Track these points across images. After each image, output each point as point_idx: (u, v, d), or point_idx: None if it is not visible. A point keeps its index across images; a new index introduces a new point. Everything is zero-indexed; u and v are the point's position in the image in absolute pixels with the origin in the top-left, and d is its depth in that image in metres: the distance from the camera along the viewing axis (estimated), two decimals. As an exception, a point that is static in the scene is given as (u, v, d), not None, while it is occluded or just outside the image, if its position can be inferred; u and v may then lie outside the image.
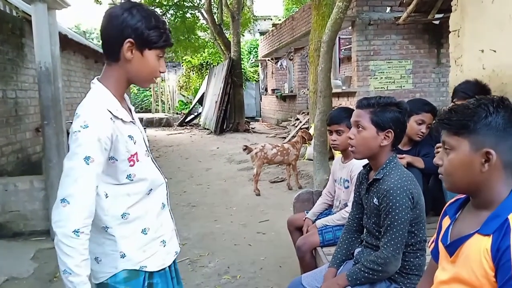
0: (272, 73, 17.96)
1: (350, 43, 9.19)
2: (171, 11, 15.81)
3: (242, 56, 16.79)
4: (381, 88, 8.15)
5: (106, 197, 1.39)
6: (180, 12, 15.82)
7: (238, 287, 3.27)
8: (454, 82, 3.59)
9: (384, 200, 1.75)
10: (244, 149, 6.43)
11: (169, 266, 1.58)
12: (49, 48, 4.11)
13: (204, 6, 15.11)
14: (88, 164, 1.29)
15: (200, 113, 17.20)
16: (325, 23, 6.05)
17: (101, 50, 1.48)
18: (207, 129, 14.70)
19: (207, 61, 20.86)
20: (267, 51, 16.37)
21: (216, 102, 13.98)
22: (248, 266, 3.61)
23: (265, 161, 6.20)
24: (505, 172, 1.14)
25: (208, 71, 18.78)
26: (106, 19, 1.40)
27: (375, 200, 1.82)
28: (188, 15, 16.34)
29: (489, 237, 1.10)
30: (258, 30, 23.13)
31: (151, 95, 22.82)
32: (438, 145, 2.50)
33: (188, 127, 16.83)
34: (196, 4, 15.82)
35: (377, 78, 8.17)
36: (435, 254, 1.34)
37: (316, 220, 2.83)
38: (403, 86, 8.30)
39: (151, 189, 1.49)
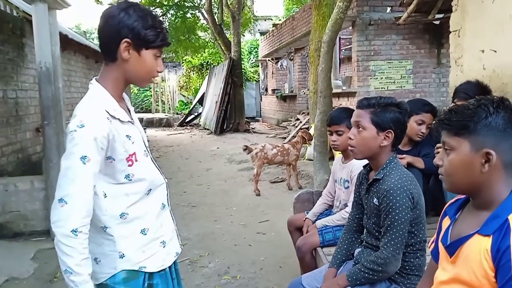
0: (272, 73, 17.96)
1: (351, 43, 9.19)
2: (172, 11, 15.82)
3: (242, 56, 16.80)
4: (382, 88, 8.15)
5: (105, 196, 1.39)
6: (181, 12, 15.83)
7: (238, 287, 3.27)
8: (454, 82, 3.59)
9: (384, 200, 1.75)
10: (244, 149, 6.43)
11: (170, 267, 1.58)
12: (49, 48, 4.11)
13: (204, 6, 15.11)
14: (84, 163, 1.29)
15: (200, 113, 17.20)
16: (325, 23, 6.05)
17: (101, 51, 1.49)
18: (207, 129, 14.70)
19: (208, 61, 20.86)
20: (268, 51, 16.38)
21: (216, 102, 13.98)
22: (248, 266, 3.61)
23: (265, 161, 6.20)
24: (505, 172, 1.14)
25: (208, 71, 18.78)
26: (103, 19, 1.40)
27: (375, 200, 1.82)
28: (188, 15, 16.35)
29: (489, 238, 1.10)
30: (259, 30, 23.14)
31: (151, 95, 22.83)
32: (438, 145, 2.50)
33: (188, 127, 16.83)
34: (196, 4, 15.82)
35: (377, 78, 8.17)
36: (435, 254, 1.34)
37: (316, 220, 2.82)
38: (404, 86, 8.30)
39: (151, 189, 1.49)
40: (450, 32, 3.81)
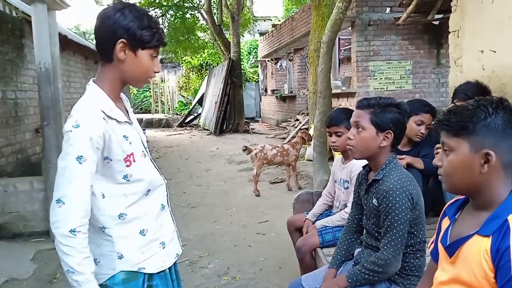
0: (271, 73, 17.96)
1: (350, 44, 9.19)
2: (171, 12, 15.81)
3: (241, 57, 16.79)
4: (381, 88, 8.15)
5: (103, 197, 1.40)
6: (180, 12, 15.83)
7: (238, 288, 3.27)
8: (454, 82, 3.59)
9: (384, 201, 1.75)
10: (244, 150, 6.43)
11: (170, 268, 1.57)
12: (49, 49, 4.11)
13: (204, 7, 15.12)
14: (81, 163, 1.30)
15: (200, 113, 17.20)
16: (324, 23, 6.05)
17: (101, 51, 1.50)
18: (207, 129, 14.70)
19: (207, 62, 20.86)
20: (267, 51, 16.38)
21: (215, 102, 13.98)
22: (248, 267, 3.61)
23: (264, 161, 6.20)
24: (504, 173, 1.14)
25: (207, 71, 18.79)
26: (99, 20, 1.41)
27: (374, 201, 1.82)
28: (188, 15, 16.35)
29: (488, 238, 1.10)
30: (258, 30, 23.13)
31: (150, 95, 22.81)
32: (437, 146, 2.50)
33: (187, 128, 16.84)
34: (195, 5, 15.83)
35: (376, 78, 8.17)
36: (435, 254, 1.34)
37: (316, 221, 2.82)
38: (403, 87, 8.31)
39: (149, 189, 1.49)
40: (450, 32, 3.81)
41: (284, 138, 11.28)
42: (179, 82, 23.03)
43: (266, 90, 18.94)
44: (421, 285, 1.47)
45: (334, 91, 6.97)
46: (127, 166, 1.41)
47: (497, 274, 1.07)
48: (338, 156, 2.93)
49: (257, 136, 13.20)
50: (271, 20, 22.06)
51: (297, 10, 13.95)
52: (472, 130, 1.12)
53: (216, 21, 14.88)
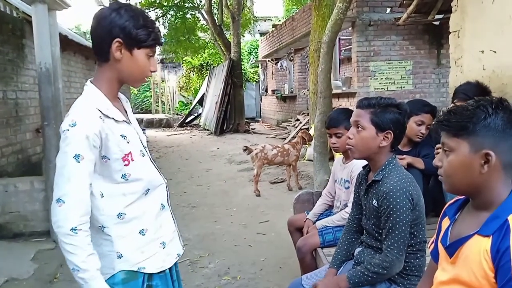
0: (272, 73, 17.96)
1: (350, 44, 9.19)
2: (171, 12, 15.83)
3: (242, 57, 16.79)
4: (381, 89, 8.15)
5: (102, 196, 1.40)
6: (180, 13, 15.84)
7: (238, 288, 3.27)
8: (454, 83, 3.59)
9: (384, 203, 1.75)
10: (244, 150, 6.43)
11: (170, 268, 1.57)
12: (49, 49, 4.11)
13: (204, 7, 15.12)
14: (79, 162, 1.30)
15: (200, 113, 17.20)
16: (325, 24, 6.05)
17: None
18: (207, 129, 14.70)
19: (207, 62, 20.87)
20: (267, 51, 16.38)
21: (216, 102, 13.99)
22: (249, 267, 3.61)
23: (265, 161, 6.20)
24: (504, 173, 1.14)
25: (208, 71, 18.79)
26: (95, 20, 1.42)
27: (374, 201, 1.82)
28: (188, 16, 16.36)
29: (488, 238, 1.10)
30: (258, 31, 23.13)
31: (151, 95, 22.82)
32: (438, 146, 2.50)
33: (188, 128, 16.84)
34: (196, 5, 15.83)
35: (377, 79, 8.17)
36: (435, 254, 1.34)
37: (316, 221, 2.82)
38: (403, 87, 8.31)
39: (148, 189, 1.49)
40: (450, 32, 3.81)
41: (285, 138, 11.28)
42: (179, 82, 23.03)
43: (266, 90, 18.94)
44: (421, 285, 1.47)
45: (334, 91, 6.97)
46: (125, 165, 1.41)
47: (497, 274, 1.07)
48: (338, 156, 2.93)
49: (258, 136, 13.20)
50: (271, 20, 22.08)
51: (297, 10, 13.95)
52: (472, 130, 1.12)
53: (216, 21, 14.88)
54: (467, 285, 1.15)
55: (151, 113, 22.01)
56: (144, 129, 10.88)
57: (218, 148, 10.73)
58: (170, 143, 12.39)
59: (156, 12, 15.61)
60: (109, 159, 1.39)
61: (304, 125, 10.61)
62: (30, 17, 4.43)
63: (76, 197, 1.30)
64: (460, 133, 1.15)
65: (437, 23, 7.41)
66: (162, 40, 1.54)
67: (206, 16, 15.23)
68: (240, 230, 4.63)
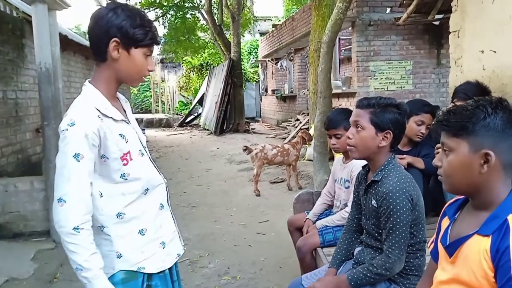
0: (272, 73, 17.96)
1: (350, 44, 9.19)
2: (171, 12, 15.82)
3: (242, 57, 16.79)
4: (381, 88, 8.15)
5: (101, 196, 1.40)
6: (180, 12, 15.84)
7: (238, 288, 3.27)
8: (454, 82, 3.59)
9: (384, 203, 1.75)
10: (244, 150, 6.43)
11: (170, 269, 1.57)
12: (49, 49, 4.11)
13: (204, 7, 15.12)
14: (78, 161, 1.31)
15: (200, 113, 17.20)
16: (325, 23, 6.05)
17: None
18: (207, 129, 14.70)
19: (207, 62, 20.87)
20: (267, 51, 16.38)
21: (216, 102, 13.99)
22: (248, 266, 3.61)
23: (265, 161, 6.20)
24: (504, 173, 1.14)
25: (208, 71, 18.79)
26: (92, 20, 1.42)
27: (373, 202, 1.82)
28: (188, 15, 16.36)
29: (488, 238, 1.10)
30: (258, 30, 23.12)
31: (151, 95, 22.83)
32: (438, 146, 2.50)
33: (188, 128, 16.84)
34: (196, 5, 15.83)
35: (377, 78, 8.17)
36: (435, 254, 1.34)
37: (316, 220, 2.83)
38: (403, 87, 8.30)
39: (148, 188, 1.49)
40: (450, 32, 3.81)
41: (285, 138, 11.28)
42: (179, 82, 23.03)
43: (266, 90, 18.94)
44: (421, 284, 1.47)
45: (334, 91, 6.97)
46: (124, 164, 1.42)
47: (497, 274, 1.07)
48: (338, 155, 2.93)
49: (258, 136, 13.20)
50: (271, 20, 22.06)
51: (297, 10, 13.95)
52: (471, 130, 1.12)
53: (216, 21, 14.88)
54: (467, 285, 1.15)
55: (151, 113, 22.01)
56: (144, 129, 10.89)
57: (218, 148, 10.73)
58: (170, 143, 12.39)
59: (156, 12, 15.61)
60: (108, 159, 1.39)
61: (304, 125, 10.61)
62: (30, 17, 4.43)
63: (77, 196, 1.30)
64: (460, 133, 1.15)
65: (437, 23, 7.42)
66: (160, 39, 1.55)
67: (206, 16, 15.23)
68: (240, 230, 4.63)
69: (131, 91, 20.26)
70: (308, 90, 8.56)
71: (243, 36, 18.83)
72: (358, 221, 2.05)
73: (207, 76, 18.37)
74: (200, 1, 15.81)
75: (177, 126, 17.21)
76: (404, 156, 2.76)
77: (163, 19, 16.05)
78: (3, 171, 4.96)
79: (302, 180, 6.58)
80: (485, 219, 1.14)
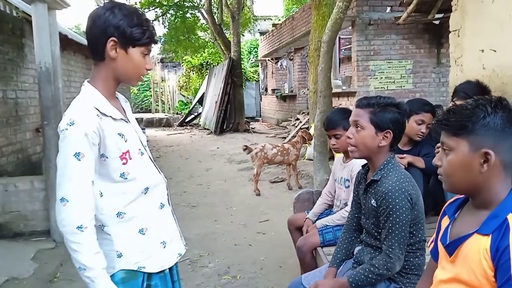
0: (272, 73, 17.95)
1: (350, 43, 9.19)
2: (171, 11, 15.82)
3: (242, 56, 16.79)
4: (381, 88, 8.15)
5: (101, 196, 1.40)
6: (180, 12, 15.84)
7: (238, 287, 3.27)
8: (454, 82, 3.59)
9: (384, 203, 1.75)
10: (244, 149, 6.44)
11: (171, 269, 1.57)
12: (49, 48, 4.11)
13: (204, 6, 15.11)
14: (79, 160, 1.31)
15: (200, 113, 17.20)
16: (325, 23, 6.05)
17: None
18: (207, 129, 14.70)
19: (207, 61, 20.86)
20: (267, 51, 16.37)
21: (216, 102, 13.98)
22: (249, 266, 3.62)
23: (265, 161, 6.20)
24: (504, 172, 1.14)
25: (208, 71, 18.79)
26: (90, 20, 1.42)
27: (373, 201, 1.82)
28: (188, 15, 16.36)
29: (488, 237, 1.10)
30: (258, 30, 23.12)
31: (151, 95, 22.83)
32: (438, 145, 2.50)
33: (188, 127, 16.83)
34: (196, 4, 15.83)
35: (377, 78, 8.16)
36: (435, 253, 1.34)
37: (316, 220, 2.83)
38: (403, 86, 8.30)
39: (148, 188, 1.49)
40: (450, 31, 3.81)
41: (285, 138, 11.27)
42: (179, 81, 23.03)
43: (266, 90, 18.94)
44: (420, 284, 1.47)
45: (334, 90, 6.97)
46: (124, 164, 1.42)
47: (497, 273, 1.07)
48: (338, 155, 2.93)
49: (258, 135, 13.20)
50: (271, 19, 22.06)
51: (297, 10, 13.95)
52: (471, 129, 1.12)
53: (216, 20, 14.87)
54: (467, 284, 1.15)
55: (151, 112, 22.02)
56: (144, 129, 10.88)
57: (218, 148, 10.73)
58: (170, 142, 12.39)
59: (156, 12, 15.61)
60: (107, 158, 1.39)
61: (304, 124, 10.61)
62: (30, 16, 4.43)
63: (79, 195, 1.30)
64: (460, 132, 1.14)
65: (437, 22, 7.41)
66: (157, 39, 1.55)
67: (206, 16, 15.23)
68: (240, 229, 4.63)
69: (131, 91, 20.25)
70: (308, 90, 8.56)
71: (243, 35, 18.81)
72: (358, 220, 2.05)
73: (207, 76, 18.37)
74: (200, 1, 15.81)
75: (177, 126, 17.20)
76: (405, 155, 2.76)
77: (163, 18, 16.05)
78: (3, 171, 4.97)
79: (302, 180, 6.58)
80: (485, 218, 1.14)
